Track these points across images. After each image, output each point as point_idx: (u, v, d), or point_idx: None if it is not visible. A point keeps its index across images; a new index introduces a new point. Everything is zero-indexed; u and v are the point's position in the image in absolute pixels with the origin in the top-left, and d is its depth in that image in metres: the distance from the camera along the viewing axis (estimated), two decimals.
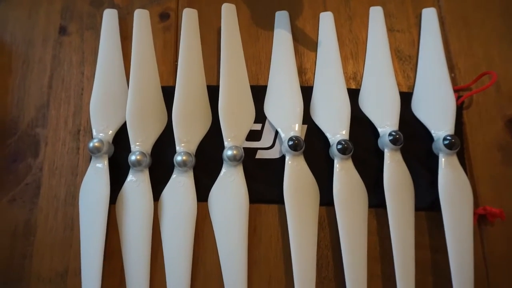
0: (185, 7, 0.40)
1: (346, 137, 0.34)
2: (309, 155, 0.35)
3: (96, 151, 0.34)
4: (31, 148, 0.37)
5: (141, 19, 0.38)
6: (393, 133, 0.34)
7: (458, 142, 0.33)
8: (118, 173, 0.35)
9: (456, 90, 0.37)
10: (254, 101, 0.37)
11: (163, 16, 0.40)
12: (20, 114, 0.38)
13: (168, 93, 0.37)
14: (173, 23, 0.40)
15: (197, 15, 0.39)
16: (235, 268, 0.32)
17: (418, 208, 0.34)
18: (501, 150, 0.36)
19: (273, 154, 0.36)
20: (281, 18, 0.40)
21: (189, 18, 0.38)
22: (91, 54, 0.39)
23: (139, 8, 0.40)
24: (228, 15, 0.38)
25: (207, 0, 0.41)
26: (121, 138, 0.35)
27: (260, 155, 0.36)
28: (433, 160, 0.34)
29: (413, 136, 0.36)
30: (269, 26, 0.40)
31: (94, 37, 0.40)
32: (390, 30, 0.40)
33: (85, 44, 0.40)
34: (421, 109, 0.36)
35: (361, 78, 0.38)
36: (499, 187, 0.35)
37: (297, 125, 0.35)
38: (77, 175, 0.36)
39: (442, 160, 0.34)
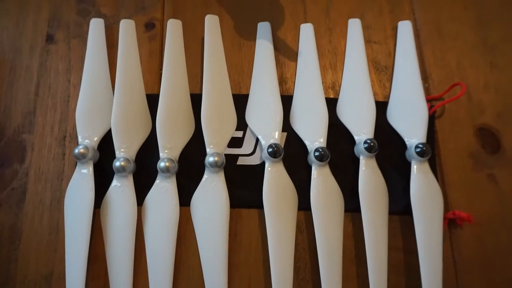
0: (170, 17, 0.41)
1: (324, 144, 0.36)
2: (288, 161, 0.36)
3: (81, 157, 0.35)
4: (17, 153, 0.37)
5: (126, 29, 0.40)
6: (368, 141, 0.35)
7: (429, 150, 0.35)
8: (103, 178, 0.35)
9: (429, 100, 0.39)
10: (236, 109, 0.38)
11: (149, 26, 0.41)
12: (7, 120, 0.38)
13: (152, 101, 0.38)
14: (158, 32, 0.41)
15: (181, 25, 0.40)
16: (216, 271, 0.33)
17: (392, 212, 0.35)
18: (471, 157, 0.38)
19: (254, 160, 0.37)
20: (263, 28, 0.41)
21: (173, 29, 0.39)
22: (77, 62, 0.40)
23: (125, 17, 0.41)
24: (211, 25, 0.39)
25: (192, 11, 0.42)
26: (106, 144, 0.36)
27: (241, 161, 0.37)
28: (407, 166, 0.36)
29: (388, 143, 0.37)
30: (252, 36, 0.41)
31: (81, 46, 0.41)
32: (368, 41, 0.41)
33: (72, 52, 0.41)
34: (395, 118, 0.38)
35: (339, 87, 0.40)
36: (469, 193, 0.37)
37: (277, 132, 0.36)
38: (62, 180, 0.36)
39: (414, 167, 0.35)
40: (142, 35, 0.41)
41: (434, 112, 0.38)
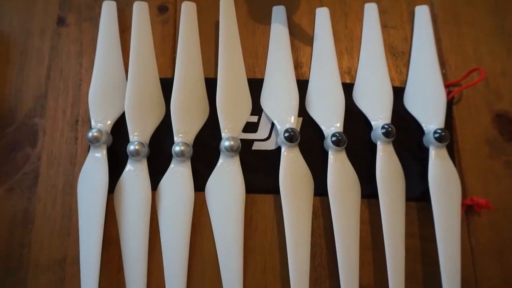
0: (184, 0, 0.41)
1: (340, 129, 0.35)
2: (304, 146, 0.36)
3: (95, 141, 0.34)
4: (29, 138, 0.37)
5: (140, 11, 0.39)
6: (386, 126, 0.35)
7: (448, 135, 0.34)
8: (116, 162, 0.35)
9: (446, 86, 0.38)
10: (250, 94, 0.38)
11: (162, 9, 0.41)
12: (18, 104, 0.38)
13: (166, 85, 0.37)
14: (171, 16, 0.41)
15: (196, 8, 0.39)
16: (231, 256, 0.33)
17: (409, 198, 0.35)
18: (488, 144, 0.37)
19: (269, 145, 0.37)
20: (278, 13, 0.41)
21: (187, 11, 0.39)
22: (89, 45, 0.39)
23: (138, 0, 0.41)
24: (226, 9, 0.39)
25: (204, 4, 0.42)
26: (119, 128, 0.36)
27: (256, 146, 0.36)
28: (424, 153, 0.36)
29: (405, 129, 0.37)
30: (266, 21, 0.41)
31: (93, 29, 0.40)
32: (384, 26, 0.41)
33: (84, 35, 0.40)
34: (412, 104, 0.37)
35: (356, 72, 0.39)
36: (486, 179, 0.36)
37: (292, 117, 0.36)
38: (75, 164, 0.36)
39: (432, 153, 0.35)
40: (154, 19, 0.40)
41: (452, 98, 0.38)
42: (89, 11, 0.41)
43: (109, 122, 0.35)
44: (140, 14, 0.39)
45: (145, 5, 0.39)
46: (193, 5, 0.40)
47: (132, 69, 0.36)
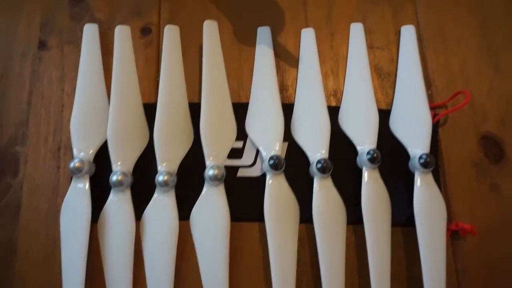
0: (167, 22, 0.40)
1: (326, 156, 0.35)
2: (290, 172, 0.35)
3: (77, 171, 0.34)
4: (10, 166, 0.36)
5: (122, 35, 0.38)
6: (371, 152, 0.35)
7: (433, 161, 0.34)
8: (100, 191, 0.35)
9: (432, 108, 0.38)
10: (235, 118, 0.37)
11: (145, 31, 0.40)
12: None
13: (150, 110, 0.37)
14: (155, 38, 0.40)
15: (179, 31, 0.39)
16: (217, 286, 0.33)
17: (395, 223, 0.35)
18: (474, 166, 0.37)
19: (255, 172, 0.36)
20: (263, 33, 0.40)
21: (170, 35, 0.38)
22: (71, 70, 0.39)
23: (121, 22, 0.40)
24: (210, 31, 0.38)
25: (189, 15, 0.41)
26: (103, 155, 0.35)
27: (241, 173, 0.36)
28: (410, 177, 0.35)
29: (391, 152, 0.36)
30: (251, 42, 0.40)
31: (75, 52, 0.39)
32: (370, 47, 0.40)
33: (65, 59, 0.39)
34: (398, 127, 0.37)
35: (342, 95, 0.39)
36: (472, 203, 0.36)
37: (278, 143, 0.36)
38: (58, 194, 0.35)
39: (417, 178, 0.34)
40: (138, 41, 0.40)
41: (438, 121, 0.37)
42: (70, 33, 0.40)
43: (91, 151, 0.35)
44: (122, 38, 0.38)
45: (127, 29, 0.39)
46: (176, 29, 0.39)
47: (114, 95, 0.36)
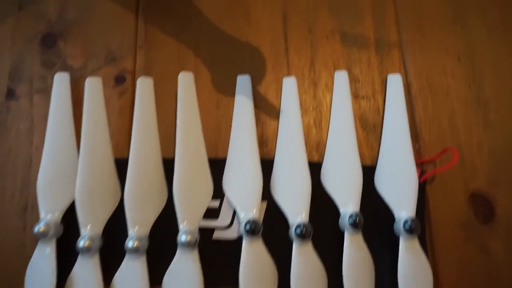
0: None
1: (306, 219, 0.33)
2: (269, 233, 0.33)
3: (43, 236, 0.32)
4: None
5: (92, 87, 0.36)
6: (353, 215, 0.33)
7: (419, 226, 0.32)
8: (67, 254, 0.32)
9: (419, 164, 0.36)
10: (212, 175, 0.35)
11: (119, 80, 0.38)
12: None
13: (122, 165, 0.35)
14: (129, 87, 0.38)
15: (152, 83, 0.37)
16: None
17: None
18: (463, 227, 0.35)
19: (231, 233, 0.34)
20: (243, 82, 0.38)
21: (143, 87, 0.36)
22: (40, 121, 0.37)
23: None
24: (185, 84, 0.36)
25: (166, 62, 0.39)
26: (70, 215, 0.33)
27: (217, 235, 0.34)
28: (396, 239, 0.34)
29: (375, 213, 0.35)
30: (231, 91, 0.38)
31: (45, 102, 0.37)
32: (355, 96, 0.39)
33: (35, 109, 0.37)
34: (383, 186, 0.35)
35: (325, 148, 0.37)
36: (461, 265, 0.35)
37: (256, 204, 0.34)
38: (23, 256, 0.34)
39: (402, 244, 0.33)
40: (111, 90, 0.38)
41: (425, 180, 0.36)
42: (41, 82, 0.38)
43: (58, 213, 0.33)
44: (93, 91, 0.36)
45: (98, 80, 0.37)
46: (149, 81, 0.37)
47: (84, 153, 0.34)
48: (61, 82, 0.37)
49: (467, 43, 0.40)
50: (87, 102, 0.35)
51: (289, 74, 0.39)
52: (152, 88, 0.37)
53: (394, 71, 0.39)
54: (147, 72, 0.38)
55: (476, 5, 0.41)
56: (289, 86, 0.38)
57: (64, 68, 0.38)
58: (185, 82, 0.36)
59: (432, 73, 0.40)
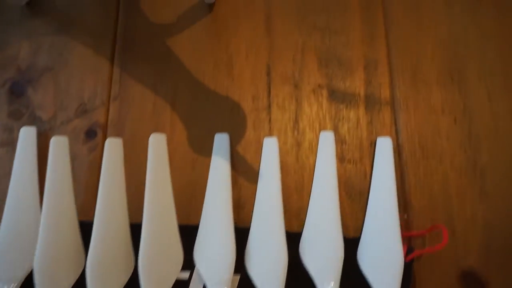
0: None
1: None
2: None
3: None
4: None
5: (58, 147, 0.34)
6: None
7: None
8: None
9: (407, 237, 0.34)
10: (183, 243, 0.33)
11: (90, 134, 0.36)
12: None
13: (88, 228, 0.32)
14: (100, 142, 0.36)
15: (122, 144, 0.35)
16: None
17: None
18: None
19: None
20: (221, 141, 0.36)
21: (112, 149, 0.34)
22: (4, 178, 0.35)
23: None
24: (157, 146, 0.34)
25: (140, 114, 0.37)
26: (28, 283, 0.31)
27: None
28: None
29: None
30: (207, 151, 0.36)
31: (10, 156, 0.35)
32: (341, 159, 0.36)
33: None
34: (366, 262, 0.32)
35: (305, 216, 0.35)
36: None
37: (226, 280, 0.31)
38: None
39: None
40: (81, 146, 0.36)
41: (412, 259, 0.33)
42: (7, 134, 0.36)
43: (14, 284, 0.31)
44: (58, 152, 0.34)
45: (64, 140, 0.34)
46: (118, 142, 0.35)
47: (46, 217, 0.32)
48: (27, 137, 0.35)
49: (465, 103, 0.37)
50: (52, 163, 0.33)
51: (271, 132, 0.37)
52: (121, 150, 0.35)
53: (384, 132, 0.37)
54: (119, 127, 0.36)
55: (476, 62, 0.38)
56: (270, 147, 0.36)
57: (32, 119, 0.36)
58: (157, 144, 0.34)
59: (426, 135, 0.37)
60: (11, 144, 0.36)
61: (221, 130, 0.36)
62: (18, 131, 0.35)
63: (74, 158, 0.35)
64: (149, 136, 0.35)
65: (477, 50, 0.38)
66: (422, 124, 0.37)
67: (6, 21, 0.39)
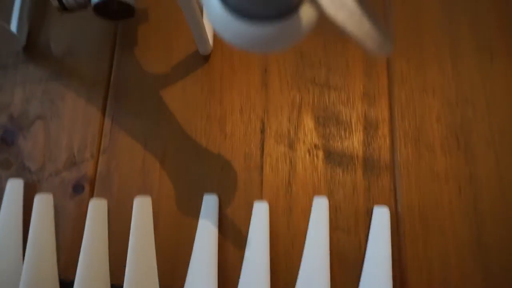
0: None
1: None
2: None
3: None
4: None
5: (42, 206, 0.33)
6: None
7: None
8: None
9: None
10: None
11: (77, 189, 0.35)
12: None
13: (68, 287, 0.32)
14: (87, 198, 0.35)
15: (106, 206, 0.34)
16: None
17: None
18: None
19: None
20: (209, 202, 0.34)
21: (96, 210, 0.33)
22: None
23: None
24: (141, 210, 0.33)
25: (128, 168, 0.35)
26: None
27: None
28: None
29: None
30: (195, 212, 0.34)
31: None
32: (335, 228, 0.34)
33: None
34: None
35: (295, 285, 0.33)
36: None
37: None
38: None
39: None
40: (68, 200, 0.35)
41: None
42: None
43: None
44: (43, 209, 0.33)
45: (48, 198, 0.34)
46: (103, 203, 0.34)
47: (26, 276, 0.31)
48: (14, 188, 0.34)
49: (471, 171, 0.35)
50: (35, 220, 0.32)
51: (262, 194, 0.35)
52: (106, 211, 0.34)
53: (382, 199, 0.34)
54: (107, 182, 0.35)
55: (485, 127, 0.36)
56: (260, 213, 0.34)
57: (21, 169, 0.36)
58: (142, 208, 0.33)
59: (427, 205, 0.34)
60: None
61: (211, 190, 0.35)
62: (6, 181, 0.35)
63: (60, 211, 0.35)
64: (136, 193, 0.35)
65: (486, 114, 0.36)
66: (423, 193, 0.35)
67: (1, 66, 0.38)
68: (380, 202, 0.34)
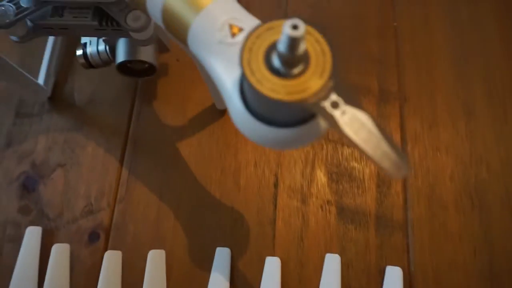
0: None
1: None
2: None
3: None
4: None
5: (59, 255, 0.34)
6: None
7: None
8: None
9: None
10: None
11: (92, 238, 0.36)
12: None
13: None
14: (102, 246, 0.36)
15: (121, 257, 0.34)
16: None
17: None
18: None
19: None
20: (222, 256, 0.35)
21: (111, 262, 0.34)
22: (7, 273, 0.34)
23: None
24: (155, 263, 0.33)
25: (143, 221, 0.36)
26: None
27: None
28: None
29: None
30: (207, 265, 0.35)
31: (14, 253, 0.35)
32: (347, 286, 0.34)
33: (3, 259, 0.36)
34: None
35: None
36: None
37: None
38: None
39: None
40: (83, 248, 0.35)
41: None
42: (15, 229, 0.36)
43: None
44: (59, 259, 0.34)
45: (65, 247, 0.35)
46: (118, 255, 0.34)
47: None
48: (32, 236, 0.35)
49: (486, 232, 0.35)
50: (51, 270, 0.33)
51: (274, 248, 0.35)
52: (120, 263, 0.34)
53: (395, 259, 0.34)
54: (122, 232, 0.36)
55: (500, 187, 0.35)
56: (272, 268, 0.34)
57: (40, 216, 0.37)
58: (155, 261, 0.33)
59: (441, 267, 0.34)
60: (17, 240, 0.36)
61: (223, 243, 0.35)
62: (25, 227, 0.36)
63: (75, 260, 0.35)
64: (150, 243, 0.35)
65: (500, 174, 0.36)
66: (437, 253, 0.34)
67: (28, 114, 0.40)
68: (392, 261, 0.34)
